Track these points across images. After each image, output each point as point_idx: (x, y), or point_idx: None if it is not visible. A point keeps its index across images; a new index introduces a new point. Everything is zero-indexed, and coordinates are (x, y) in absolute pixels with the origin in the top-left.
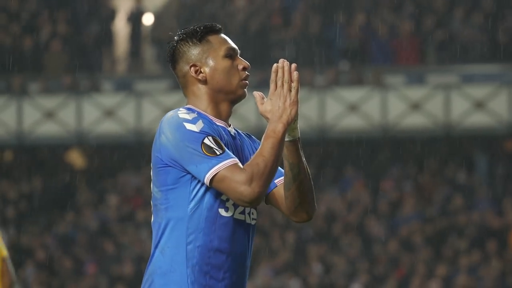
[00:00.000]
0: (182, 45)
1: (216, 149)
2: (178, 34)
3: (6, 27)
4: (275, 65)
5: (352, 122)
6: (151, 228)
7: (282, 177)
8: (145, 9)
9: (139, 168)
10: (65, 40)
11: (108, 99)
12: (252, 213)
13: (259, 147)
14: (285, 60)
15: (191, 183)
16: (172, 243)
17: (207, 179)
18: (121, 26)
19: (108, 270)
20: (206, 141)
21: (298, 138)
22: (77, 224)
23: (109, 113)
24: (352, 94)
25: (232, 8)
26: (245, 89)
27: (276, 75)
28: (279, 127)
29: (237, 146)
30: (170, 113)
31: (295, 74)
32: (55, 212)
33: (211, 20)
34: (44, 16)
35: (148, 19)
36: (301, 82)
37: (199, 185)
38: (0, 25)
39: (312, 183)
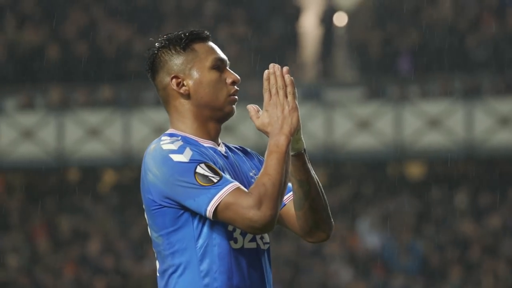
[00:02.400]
0: (164, 53)
1: (212, 177)
2: (160, 40)
3: (182, 28)
4: (266, 72)
5: None
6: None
7: (290, 193)
8: (337, 7)
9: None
10: (242, 43)
11: None
12: (263, 237)
13: (263, 165)
14: (276, 64)
15: (193, 220)
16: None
17: (209, 212)
18: (308, 26)
19: None
20: (199, 170)
21: (304, 150)
22: None
23: None
24: None
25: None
26: (234, 106)
27: (269, 83)
28: (282, 140)
29: (233, 166)
30: (152, 145)
31: (287, 78)
32: None
33: (411, 20)
34: (221, 16)
35: (340, 19)
36: None
37: (202, 220)
38: (175, 25)
39: (325, 197)
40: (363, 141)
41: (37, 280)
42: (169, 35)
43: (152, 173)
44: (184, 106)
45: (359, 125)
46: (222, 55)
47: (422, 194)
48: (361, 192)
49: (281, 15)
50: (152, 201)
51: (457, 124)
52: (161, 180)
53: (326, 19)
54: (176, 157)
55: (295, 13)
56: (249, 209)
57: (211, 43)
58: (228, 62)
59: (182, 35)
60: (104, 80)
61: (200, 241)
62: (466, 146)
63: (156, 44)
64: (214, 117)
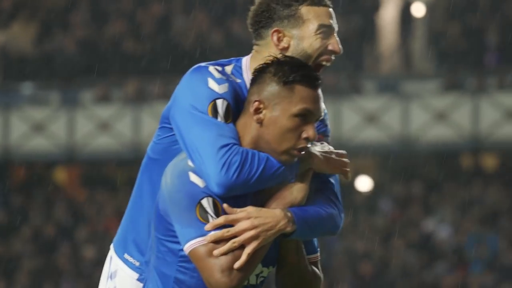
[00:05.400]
0: (267, 75)
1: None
2: (274, 59)
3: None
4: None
5: None
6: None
7: None
8: None
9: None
10: None
11: (371, 102)
12: (262, 272)
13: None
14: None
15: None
16: None
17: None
18: (386, 18)
19: None
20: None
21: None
22: None
23: (371, 118)
24: None
25: None
26: (294, 158)
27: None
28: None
29: None
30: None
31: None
32: None
33: (490, 13)
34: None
35: (418, 10)
36: None
37: None
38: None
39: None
40: (439, 133)
41: None
42: (288, 59)
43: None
44: (252, 127)
45: (437, 116)
46: (317, 109)
47: (497, 186)
48: (436, 183)
49: (359, 7)
50: None
51: None
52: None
53: (404, 10)
54: None
55: (374, 5)
56: (217, 272)
57: (314, 92)
58: (321, 116)
59: (292, 69)
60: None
61: (180, 262)
62: None
63: (273, 59)
64: (269, 154)
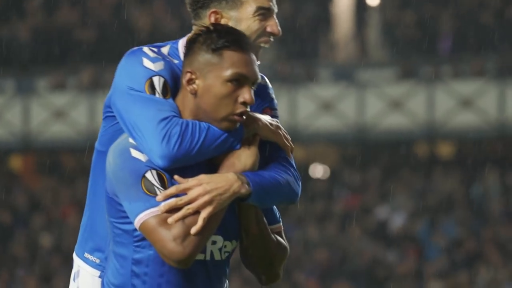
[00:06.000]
0: (197, 45)
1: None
2: (203, 29)
3: None
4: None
5: None
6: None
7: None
8: None
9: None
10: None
11: (327, 90)
12: (225, 246)
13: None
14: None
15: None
16: (118, 282)
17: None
18: (341, 7)
19: None
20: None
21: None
22: None
23: (326, 106)
24: None
25: None
26: (236, 124)
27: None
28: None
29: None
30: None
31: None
32: None
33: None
34: None
35: None
36: None
37: None
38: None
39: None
40: (394, 121)
41: None
42: (217, 27)
43: None
44: (188, 99)
45: (392, 104)
46: (251, 71)
47: (452, 174)
48: (392, 171)
49: None
50: None
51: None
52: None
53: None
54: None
55: None
56: (169, 241)
57: (245, 55)
58: (257, 79)
59: (221, 36)
60: None
61: (136, 240)
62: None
63: (202, 29)
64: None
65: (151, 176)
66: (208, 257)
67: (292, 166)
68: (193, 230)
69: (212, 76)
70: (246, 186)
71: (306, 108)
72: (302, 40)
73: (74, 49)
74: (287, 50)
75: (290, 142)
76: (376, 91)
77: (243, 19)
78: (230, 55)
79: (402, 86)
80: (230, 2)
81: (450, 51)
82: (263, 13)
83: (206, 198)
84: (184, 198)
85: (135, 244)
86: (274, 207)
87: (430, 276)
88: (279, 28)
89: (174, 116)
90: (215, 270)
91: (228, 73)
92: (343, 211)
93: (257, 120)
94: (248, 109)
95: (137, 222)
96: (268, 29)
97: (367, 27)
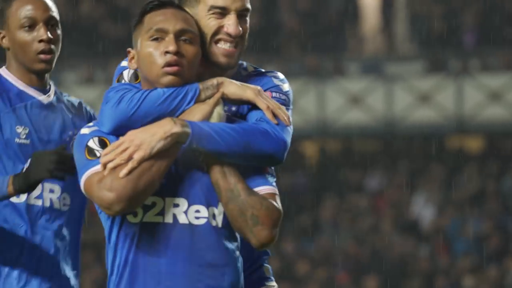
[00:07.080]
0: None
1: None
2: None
3: None
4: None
5: None
6: None
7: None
8: None
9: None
10: (304, 17)
11: (354, 84)
12: (198, 211)
13: None
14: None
15: None
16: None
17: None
18: (369, 0)
19: None
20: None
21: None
22: None
23: (355, 100)
24: None
25: None
26: (175, 76)
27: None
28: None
29: None
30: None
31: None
32: None
33: None
34: None
35: None
36: None
37: None
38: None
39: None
40: (423, 114)
41: None
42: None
43: None
44: (141, 77)
45: (420, 98)
46: (167, 23)
47: (482, 167)
48: (421, 165)
49: None
50: None
51: None
52: None
53: None
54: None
55: None
56: (102, 190)
57: (161, 12)
58: (176, 28)
59: (143, 8)
60: None
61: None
62: None
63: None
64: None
65: (92, 143)
66: (169, 220)
67: (273, 126)
68: (121, 173)
69: (140, 43)
70: (181, 127)
71: (335, 102)
72: (330, 33)
73: (101, 43)
74: (315, 44)
75: (280, 110)
76: (404, 84)
77: (200, 18)
78: (148, 18)
79: (430, 80)
80: (189, 1)
81: (476, 44)
82: (218, 11)
83: (136, 142)
84: (119, 148)
85: (109, 229)
86: (265, 172)
87: (461, 271)
88: (239, 27)
89: (127, 89)
90: (200, 237)
91: (148, 32)
92: (372, 206)
93: (225, 80)
94: (175, 58)
95: (82, 186)
96: (224, 29)
97: (395, 20)
